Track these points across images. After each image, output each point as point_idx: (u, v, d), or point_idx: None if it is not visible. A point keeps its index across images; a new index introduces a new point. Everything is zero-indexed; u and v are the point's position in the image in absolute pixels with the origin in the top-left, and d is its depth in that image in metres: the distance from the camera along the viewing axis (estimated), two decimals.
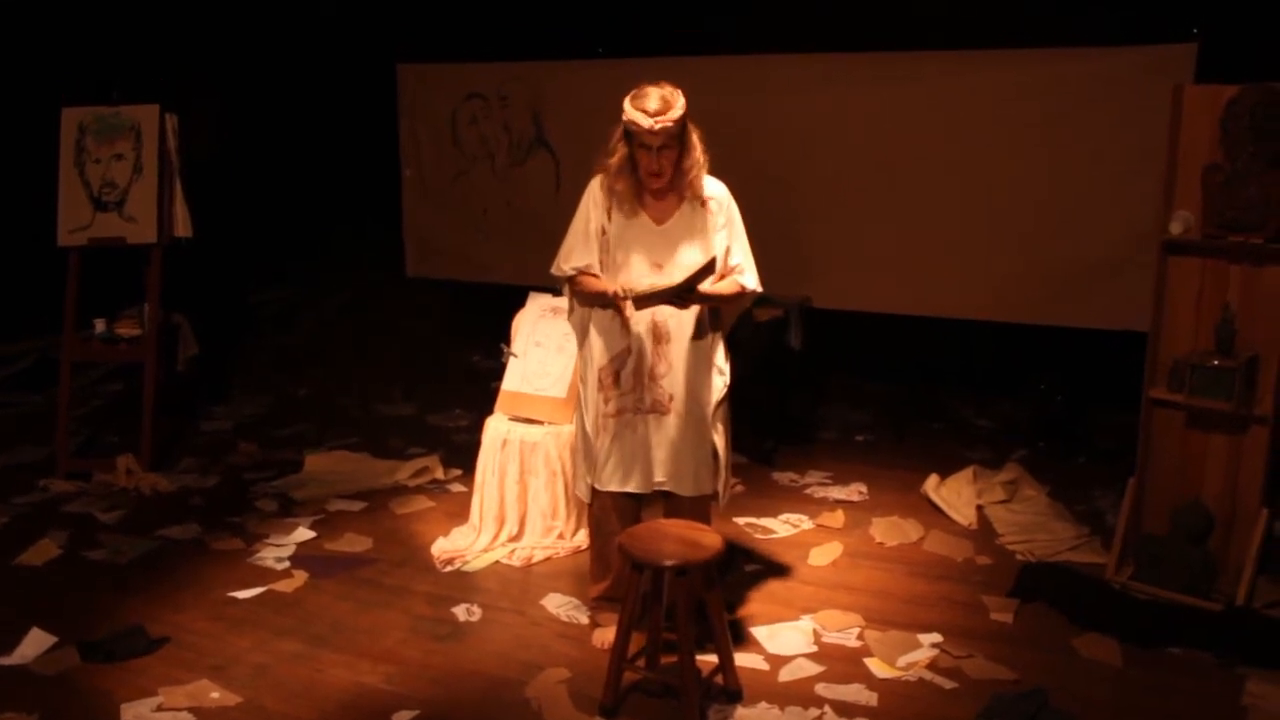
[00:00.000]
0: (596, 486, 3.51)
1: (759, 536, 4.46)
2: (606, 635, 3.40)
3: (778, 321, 5.55)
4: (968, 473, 4.90)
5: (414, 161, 7.41)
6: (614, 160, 3.33)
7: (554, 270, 3.44)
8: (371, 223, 7.41)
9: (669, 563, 3.01)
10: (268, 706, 3.25)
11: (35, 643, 3.57)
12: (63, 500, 4.91)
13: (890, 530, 4.49)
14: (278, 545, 4.39)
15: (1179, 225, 3.81)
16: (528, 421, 4.36)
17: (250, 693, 3.31)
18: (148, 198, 5.28)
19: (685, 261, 3.32)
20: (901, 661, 3.45)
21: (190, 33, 6.89)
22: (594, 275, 3.38)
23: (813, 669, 3.41)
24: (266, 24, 7.19)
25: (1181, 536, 3.84)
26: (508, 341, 4.57)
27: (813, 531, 4.51)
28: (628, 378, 3.41)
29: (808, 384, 6.10)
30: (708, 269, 3.19)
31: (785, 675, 3.38)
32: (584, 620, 3.73)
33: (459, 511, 4.62)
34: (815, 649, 3.54)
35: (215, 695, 3.29)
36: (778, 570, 4.15)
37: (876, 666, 3.43)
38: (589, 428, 3.48)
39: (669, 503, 3.53)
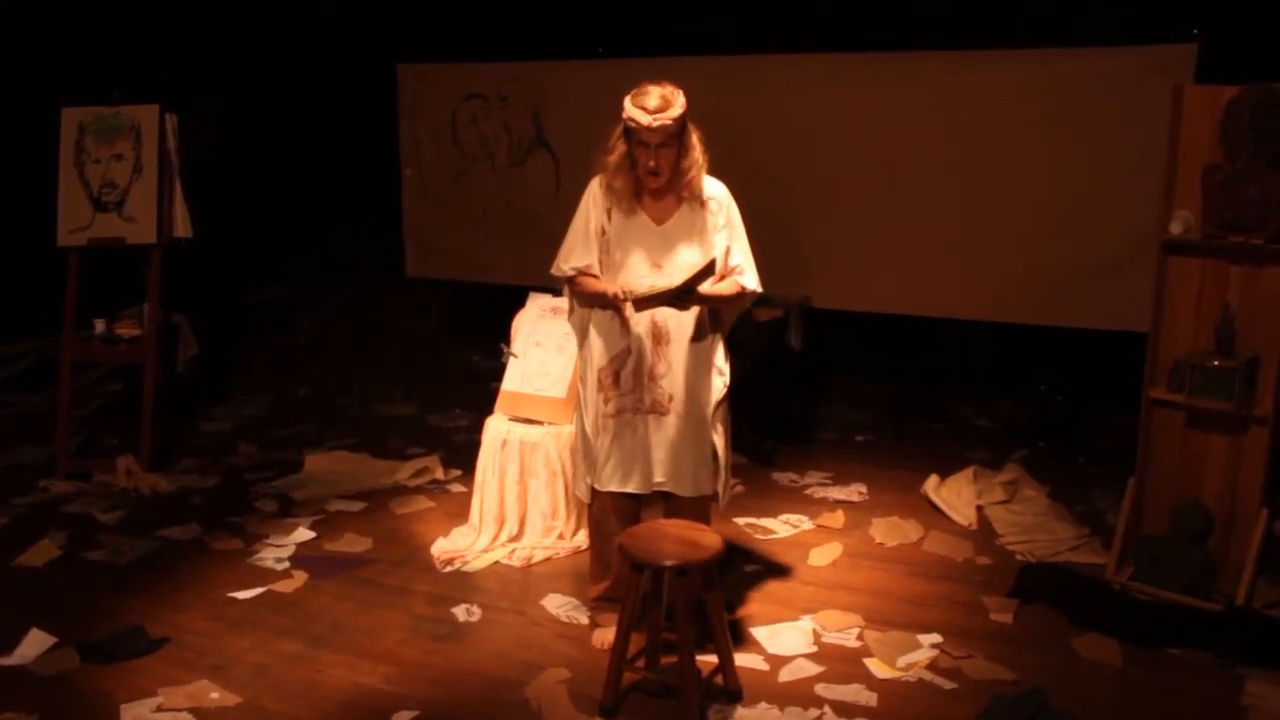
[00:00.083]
0: (596, 487, 3.51)
1: (759, 537, 4.46)
2: (606, 635, 3.40)
3: (778, 321, 5.55)
4: (968, 473, 4.90)
5: (414, 161, 7.40)
6: (613, 158, 3.33)
7: (554, 270, 3.45)
8: (371, 223, 7.40)
9: (669, 563, 3.01)
10: (268, 707, 3.25)
11: (35, 643, 3.56)
12: (62, 501, 4.90)
13: (890, 530, 4.49)
14: (277, 545, 4.39)
15: (1179, 225, 3.80)
16: (528, 422, 4.36)
17: (250, 693, 3.31)
18: (147, 198, 5.28)
19: (684, 261, 3.32)
20: (901, 662, 3.45)
21: (190, 33, 6.88)
22: (594, 276, 3.38)
23: (813, 669, 3.41)
24: (266, 24, 7.18)
25: (1181, 537, 3.84)
26: (508, 342, 4.57)
27: (813, 532, 4.51)
28: (627, 378, 3.41)
29: (808, 384, 6.10)
30: (707, 270, 3.19)
31: (785, 675, 3.38)
32: (584, 620, 3.73)
33: (459, 512, 4.62)
34: (815, 649, 3.54)
35: (215, 695, 3.29)
36: (777, 570, 4.15)
37: (876, 667, 3.43)
38: (589, 428, 3.49)
39: (669, 503, 3.53)
